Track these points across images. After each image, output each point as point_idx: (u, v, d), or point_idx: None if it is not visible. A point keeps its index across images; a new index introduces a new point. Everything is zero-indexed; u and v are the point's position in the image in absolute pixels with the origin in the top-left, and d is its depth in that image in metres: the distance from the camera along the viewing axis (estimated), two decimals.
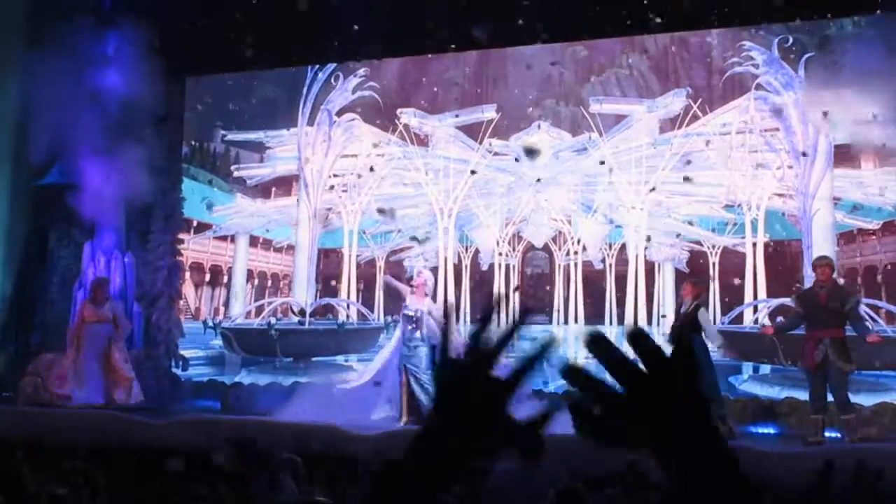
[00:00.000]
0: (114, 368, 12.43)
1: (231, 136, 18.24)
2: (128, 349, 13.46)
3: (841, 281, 9.98)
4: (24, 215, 14.21)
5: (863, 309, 9.99)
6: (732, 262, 15.79)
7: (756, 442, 9.94)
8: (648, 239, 16.03)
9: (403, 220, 17.97)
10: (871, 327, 9.85)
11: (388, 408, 11.07)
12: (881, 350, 12.48)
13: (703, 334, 10.65)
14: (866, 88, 14.09)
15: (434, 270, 12.17)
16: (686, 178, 15.76)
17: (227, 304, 18.85)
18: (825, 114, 13.63)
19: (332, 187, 17.27)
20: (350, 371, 16.24)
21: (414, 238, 17.06)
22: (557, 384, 14.94)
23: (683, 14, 13.26)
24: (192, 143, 17.78)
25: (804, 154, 14.14)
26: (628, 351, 1.24)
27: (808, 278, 13.27)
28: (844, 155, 14.86)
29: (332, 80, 17.01)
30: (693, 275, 15.30)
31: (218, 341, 16.48)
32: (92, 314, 12.50)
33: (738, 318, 14.73)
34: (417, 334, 10.90)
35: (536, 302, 18.18)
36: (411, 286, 11.25)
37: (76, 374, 12.27)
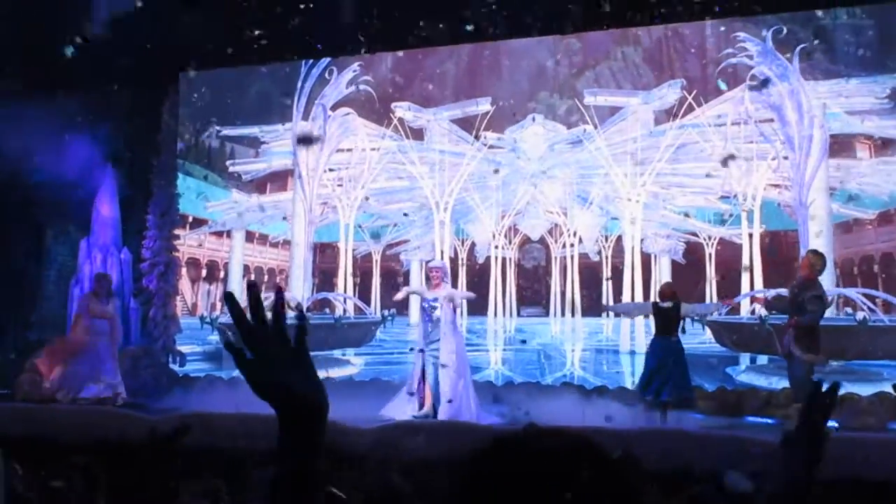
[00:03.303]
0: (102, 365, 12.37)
1: (226, 132, 18.20)
2: (125, 345, 13.49)
3: (823, 274, 10.01)
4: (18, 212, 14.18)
5: (811, 300, 9.95)
6: (729, 253, 15.80)
7: (754, 432, 9.95)
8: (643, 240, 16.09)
9: (398, 213, 17.98)
10: (807, 320, 9.86)
11: (406, 400, 11.15)
12: (881, 340, 12.54)
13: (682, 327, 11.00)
14: (860, 78, 14.11)
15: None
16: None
17: (223, 300, 18.84)
18: None
19: (328, 180, 17.29)
20: (348, 365, 16.27)
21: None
22: (554, 377, 15.00)
23: (678, 5, 13.28)
24: (187, 138, 17.74)
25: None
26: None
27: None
28: (840, 145, 14.87)
29: (326, 75, 16.98)
30: (686, 268, 15.44)
31: (215, 337, 16.47)
32: (97, 309, 12.48)
33: (735, 309, 14.74)
34: (438, 321, 11.06)
35: (533, 294, 18.18)
36: (429, 280, 11.43)
37: (75, 369, 12.25)
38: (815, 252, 10.35)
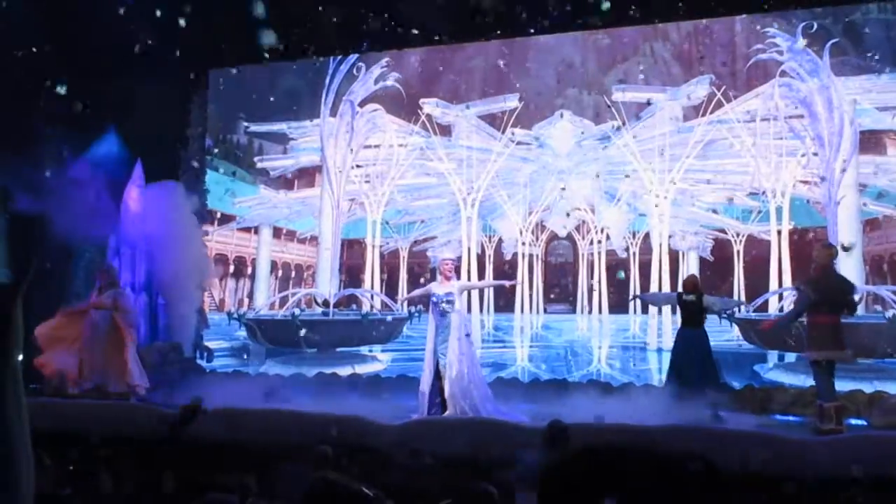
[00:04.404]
0: (111, 356, 12.31)
1: (254, 128, 18.30)
2: (152, 341, 13.50)
3: (846, 268, 9.93)
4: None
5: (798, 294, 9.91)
6: (757, 250, 15.71)
7: (781, 430, 9.89)
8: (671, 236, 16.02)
9: (426, 209, 18.01)
10: (790, 316, 9.86)
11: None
12: None
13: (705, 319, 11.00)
14: (892, 73, 13.99)
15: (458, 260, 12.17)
16: (708, 181, 15.84)
17: (251, 296, 18.94)
18: None
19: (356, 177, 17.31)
20: (374, 361, 16.29)
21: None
22: (581, 373, 14.97)
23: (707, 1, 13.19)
24: (216, 134, 17.82)
25: None
26: None
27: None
28: (870, 141, 14.75)
29: (354, 71, 16.98)
30: (714, 265, 15.37)
31: (242, 332, 16.54)
32: (94, 301, 12.48)
33: (763, 306, 14.65)
34: (450, 317, 10.77)
35: (560, 291, 18.16)
36: (441, 274, 11.12)
37: (76, 361, 12.23)
38: (822, 244, 10.24)
